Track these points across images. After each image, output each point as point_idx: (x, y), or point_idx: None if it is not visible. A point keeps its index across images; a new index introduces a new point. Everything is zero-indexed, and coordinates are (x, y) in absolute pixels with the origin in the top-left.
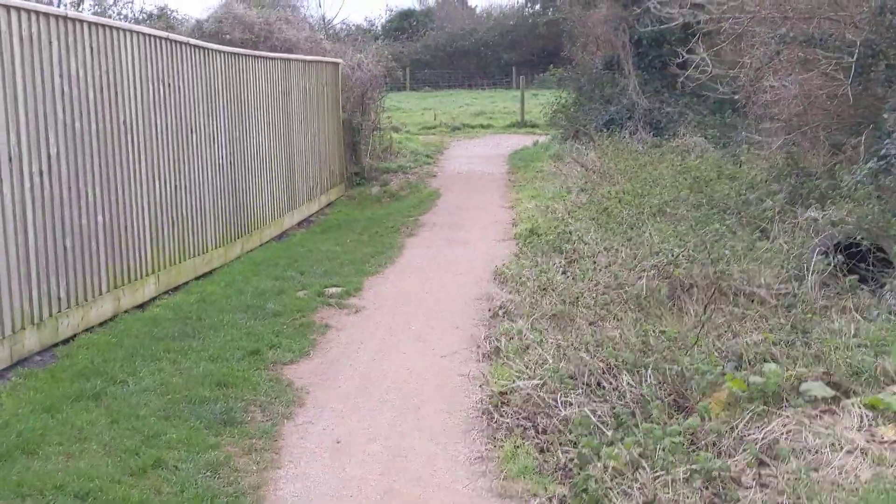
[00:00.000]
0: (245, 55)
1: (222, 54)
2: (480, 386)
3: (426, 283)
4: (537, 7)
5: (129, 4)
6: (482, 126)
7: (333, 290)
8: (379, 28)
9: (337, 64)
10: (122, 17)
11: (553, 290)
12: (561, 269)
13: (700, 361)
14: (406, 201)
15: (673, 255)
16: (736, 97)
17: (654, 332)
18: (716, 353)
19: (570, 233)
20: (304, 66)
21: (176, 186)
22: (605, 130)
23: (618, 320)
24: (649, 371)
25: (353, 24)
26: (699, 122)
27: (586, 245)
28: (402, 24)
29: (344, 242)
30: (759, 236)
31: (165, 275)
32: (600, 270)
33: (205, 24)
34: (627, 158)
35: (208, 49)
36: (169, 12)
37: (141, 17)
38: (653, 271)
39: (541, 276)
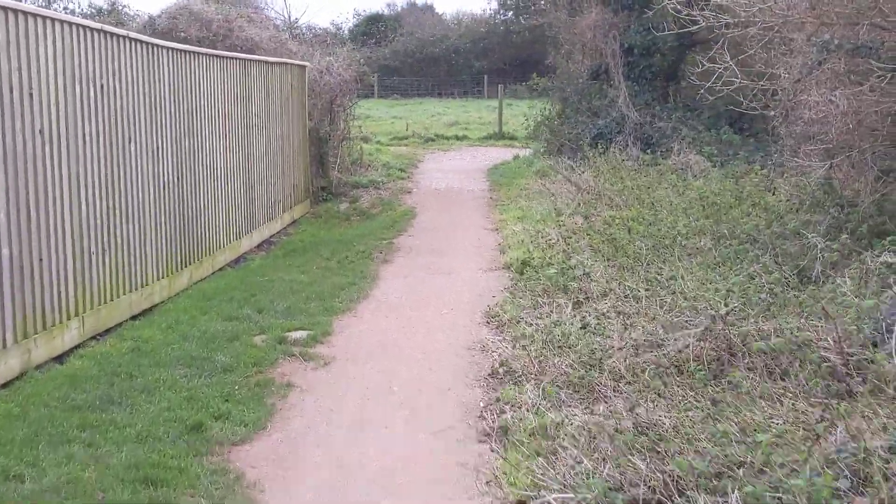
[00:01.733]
0: (198, 53)
1: (170, 52)
2: (488, 483)
3: (407, 324)
4: (510, 14)
5: None
6: (457, 137)
7: (297, 334)
8: (346, 32)
9: (303, 67)
10: (68, 11)
11: (570, 348)
12: (571, 316)
13: (811, 482)
14: (378, 220)
15: (724, 312)
16: (772, 113)
17: (737, 434)
18: (826, 467)
19: (574, 267)
20: (266, 68)
21: (109, 208)
22: (595, 146)
23: (661, 397)
24: (736, 494)
25: (319, 28)
26: (694, 138)
27: (595, 283)
28: (370, 28)
29: (310, 270)
30: (803, 279)
31: (93, 316)
32: (626, 324)
33: (157, 21)
34: (625, 178)
35: (153, 45)
36: (120, 7)
37: (90, 13)
38: (699, 329)
39: (554, 330)
